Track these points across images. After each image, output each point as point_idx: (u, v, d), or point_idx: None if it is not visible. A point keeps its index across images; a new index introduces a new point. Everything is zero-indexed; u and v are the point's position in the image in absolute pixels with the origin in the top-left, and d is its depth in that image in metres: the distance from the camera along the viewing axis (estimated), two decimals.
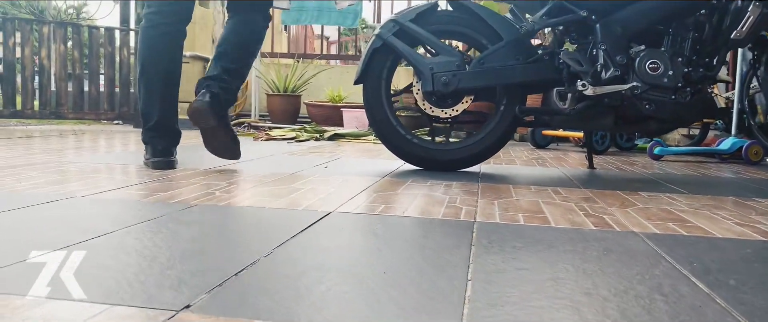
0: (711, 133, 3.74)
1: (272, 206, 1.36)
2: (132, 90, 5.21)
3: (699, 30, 2.11)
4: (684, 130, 3.97)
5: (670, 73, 2.05)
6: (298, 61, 5.48)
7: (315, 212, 1.29)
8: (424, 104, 2.21)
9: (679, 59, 2.08)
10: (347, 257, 0.96)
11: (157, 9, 2.06)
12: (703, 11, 2.10)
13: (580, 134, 3.54)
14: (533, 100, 3.44)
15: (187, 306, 0.68)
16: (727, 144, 3.14)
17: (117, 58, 5.18)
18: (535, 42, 2.67)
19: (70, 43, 5.24)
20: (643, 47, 2.09)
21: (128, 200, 1.40)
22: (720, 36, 2.10)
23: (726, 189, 2.07)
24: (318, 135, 4.06)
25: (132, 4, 5.20)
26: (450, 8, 2.32)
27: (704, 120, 3.58)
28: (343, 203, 1.42)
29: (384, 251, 0.98)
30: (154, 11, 2.06)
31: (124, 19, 5.21)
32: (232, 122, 2.95)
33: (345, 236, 1.12)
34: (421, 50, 2.39)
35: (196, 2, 2.22)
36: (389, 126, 2.25)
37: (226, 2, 2.31)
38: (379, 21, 5.99)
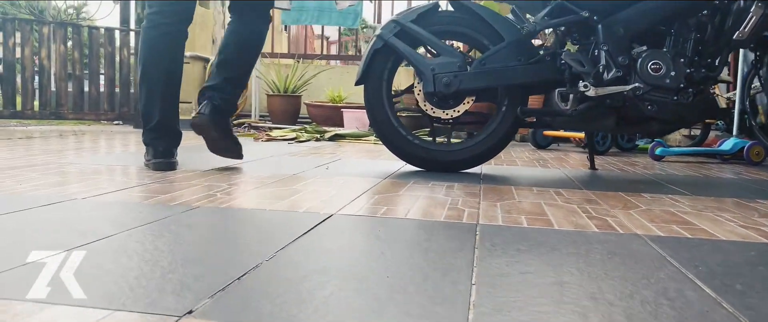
0: (712, 134, 3.73)
1: (274, 208, 1.36)
2: (132, 90, 5.21)
3: (701, 30, 2.10)
4: (685, 131, 3.96)
5: (672, 74, 2.04)
6: (298, 62, 5.47)
7: (317, 215, 1.28)
8: (425, 105, 2.21)
9: (681, 60, 2.07)
10: (350, 260, 0.95)
11: (159, 9, 2.05)
12: (705, 12, 2.09)
13: (581, 135, 3.54)
14: (534, 101, 3.44)
15: (190, 312, 0.67)
16: (728, 145, 3.14)
17: (117, 59, 5.17)
18: (536, 42, 2.66)
19: (70, 44, 5.23)
20: (645, 48, 2.08)
21: (129, 202, 1.39)
22: (722, 37, 2.09)
23: (728, 190, 2.06)
24: (318, 136, 4.05)
25: (132, 4, 5.20)
26: (451, 9, 2.32)
27: (705, 120, 3.58)
28: (345, 205, 1.41)
29: (387, 255, 0.97)
30: (155, 11, 2.06)
31: (124, 20, 5.21)
32: (233, 123, 2.95)
33: (347, 239, 1.11)
34: (421, 50, 2.39)
35: (197, 3, 2.21)
36: (390, 127, 2.25)
37: (228, 2, 2.32)
38: (379, 21, 5.99)
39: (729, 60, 3.49)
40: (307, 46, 7.34)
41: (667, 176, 2.38)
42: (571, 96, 2.11)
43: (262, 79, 5.30)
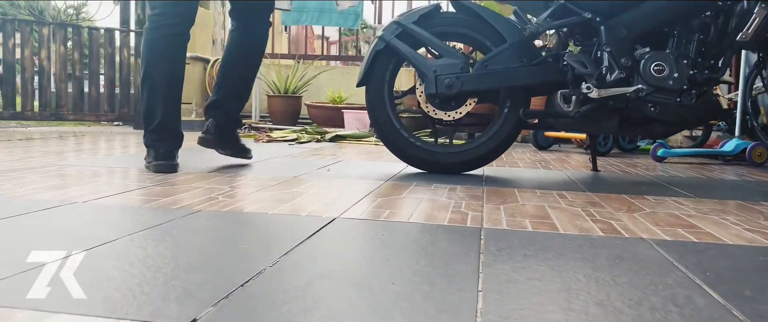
0: (714, 135, 3.72)
1: (276, 212, 1.35)
2: (132, 91, 5.19)
3: (704, 32, 2.09)
4: (687, 132, 3.95)
5: (676, 75, 2.04)
6: (298, 62, 5.46)
7: (319, 218, 1.27)
8: (427, 107, 2.20)
9: (684, 61, 2.06)
10: (354, 266, 0.94)
11: (161, 11, 2.05)
12: (709, 13, 2.08)
13: (582, 136, 3.53)
14: (537, 102, 3.42)
15: (194, 320, 0.66)
16: (730, 146, 3.13)
17: (117, 59, 5.16)
18: (538, 44, 2.65)
19: (70, 44, 5.22)
20: (647, 49, 2.07)
21: (130, 206, 1.38)
22: (725, 38, 2.08)
23: (732, 192, 2.05)
24: (319, 137, 4.04)
25: (132, 4, 5.18)
26: (453, 10, 2.31)
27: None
28: (348, 209, 1.40)
29: (392, 261, 0.96)
30: (157, 13, 2.05)
31: (125, 20, 5.19)
32: None
33: (351, 244, 1.10)
34: (422, 51, 2.38)
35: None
36: (392, 128, 2.24)
37: (228, 4, 2.34)
38: (380, 22, 5.97)
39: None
40: (308, 47, 7.33)
41: (669, 178, 2.37)
42: (574, 98, 2.10)
43: (263, 80, 5.28)
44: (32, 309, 0.69)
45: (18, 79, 4.86)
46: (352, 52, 7.62)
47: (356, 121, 4.53)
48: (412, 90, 2.27)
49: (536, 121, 2.41)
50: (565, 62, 2.11)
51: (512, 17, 2.32)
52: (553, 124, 2.35)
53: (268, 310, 0.71)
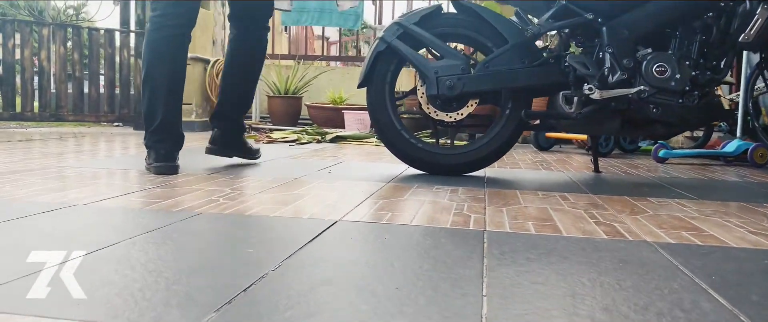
0: (715, 136, 3.72)
1: (277, 214, 1.34)
2: (132, 92, 5.19)
3: (706, 33, 2.08)
4: (688, 133, 3.95)
5: (678, 76, 2.03)
6: (298, 63, 5.45)
7: (321, 221, 1.27)
8: (428, 108, 2.19)
9: (687, 62, 2.06)
10: (357, 270, 0.93)
11: (162, 12, 2.04)
12: (711, 14, 2.07)
13: (584, 136, 3.52)
14: (538, 103, 3.42)
15: None
16: (732, 147, 3.12)
17: (117, 60, 5.15)
18: (540, 45, 2.64)
19: (69, 45, 5.21)
20: (650, 50, 2.06)
21: (131, 208, 1.37)
22: (727, 39, 2.08)
23: (734, 194, 2.05)
24: (319, 137, 4.03)
25: (132, 5, 5.17)
26: (454, 11, 2.30)
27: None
28: (349, 211, 1.40)
29: (395, 265, 0.95)
30: (159, 14, 2.05)
31: (125, 21, 5.18)
32: None
33: (353, 247, 1.09)
34: (422, 51, 2.37)
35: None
36: (393, 130, 2.23)
37: (228, 6, 2.34)
38: (380, 22, 5.96)
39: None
40: (308, 47, 7.32)
41: (671, 179, 2.36)
42: (576, 99, 2.09)
43: (263, 81, 5.27)
44: (33, 315, 0.68)
45: (18, 80, 4.85)
46: (352, 53, 7.61)
47: (356, 121, 4.52)
48: (414, 91, 2.26)
49: (538, 122, 2.40)
50: (566, 63, 2.10)
51: (514, 18, 2.32)
52: (555, 126, 2.34)
53: (271, 315, 0.70)
